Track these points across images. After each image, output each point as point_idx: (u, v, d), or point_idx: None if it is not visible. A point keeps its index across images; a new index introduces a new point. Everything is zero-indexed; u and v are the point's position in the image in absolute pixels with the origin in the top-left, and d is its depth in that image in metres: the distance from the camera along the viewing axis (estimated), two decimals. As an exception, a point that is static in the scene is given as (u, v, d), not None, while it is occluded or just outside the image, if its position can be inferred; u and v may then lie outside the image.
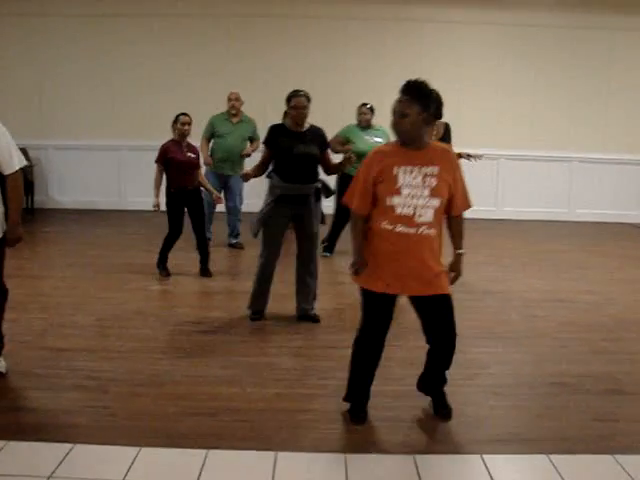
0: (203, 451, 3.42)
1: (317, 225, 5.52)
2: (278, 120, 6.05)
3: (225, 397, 4.09)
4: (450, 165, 3.61)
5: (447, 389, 3.95)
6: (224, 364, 4.62)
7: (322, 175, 5.58)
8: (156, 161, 6.87)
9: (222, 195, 8.15)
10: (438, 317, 3.72)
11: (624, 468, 3.34)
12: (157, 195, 6.86)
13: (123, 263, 7.46)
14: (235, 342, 5.08)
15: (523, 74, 11.18)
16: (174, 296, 6.42)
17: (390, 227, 3.52)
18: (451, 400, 3.93)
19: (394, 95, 3.56)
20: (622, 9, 10.90)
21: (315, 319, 5.57)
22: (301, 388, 4.26)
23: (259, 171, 5.54)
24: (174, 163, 6.77)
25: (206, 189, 7.15)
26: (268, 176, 5.54)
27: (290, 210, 5.39)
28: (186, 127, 6.87)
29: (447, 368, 3.88)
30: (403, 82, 3.54)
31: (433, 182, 3.50)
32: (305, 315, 5.59)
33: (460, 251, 3.79)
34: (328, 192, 5.62)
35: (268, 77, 10.73)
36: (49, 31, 10.88)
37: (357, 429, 3.74)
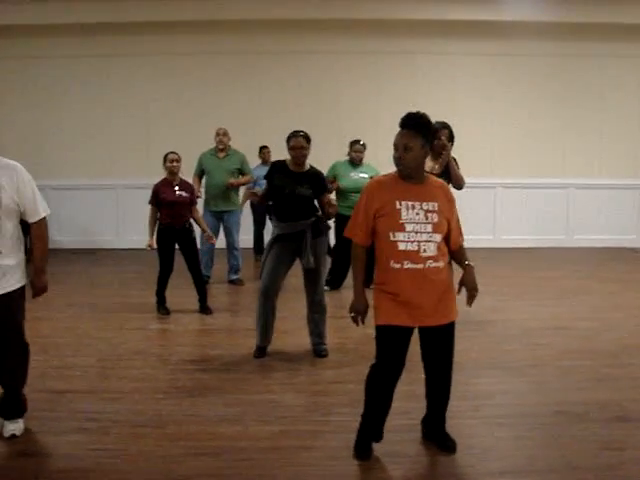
0: (207, 492, 3.39)
1: (318, 260, 5.47)
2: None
3: (228, 436, 4.06)
4: (447, 201, 3.63)
5: (451, 421, 3.92)
6: (227, 402, 4.59)
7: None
8: (149, 202, 6.94)
9: (222, 231, 8.20)
10: (440, 345, 3.72)
11: (633, 497, 3.31)
12: (151, 235, 6.92)
13: (122, 302, 7.45)
14: (237, 380, 5.04)
15: (516, 103, 11.28)
16: (174, 335, 6.38)
17: (398, 265, 3.51)
18: (456, 432, 3.91)
19: (388, 128, 3.58)
20: (611, 36, 11.04)
21: (321, 354, 5.54)
22: (305, 425, 4.22)
23: (262, 198, 5.67)
24: (165, 203, 6.82)
25: (200, 227, 7.16)
26: (270, 217, 5.66)
27: (289, 246, 5.43)
28: (175, 164, 6.92)
29: (448, 399, 3.85)
30: (401, 115, 3.57)
31: (435, 218, 3.51)
32: (314, 350, 5.59)
33: (468, 262, 3.75)
34: (326, 228, 5.61)
35: (263, 114, 10.84)
36: (46, 72, 11.03)
37: (362, 465, 3.70)
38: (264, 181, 5.74)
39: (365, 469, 3.68)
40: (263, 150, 9.95)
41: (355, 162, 7.89)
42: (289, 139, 5.45)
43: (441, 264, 3.57)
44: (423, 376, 3.93)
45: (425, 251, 3.49)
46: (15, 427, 4.04)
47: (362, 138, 8.09)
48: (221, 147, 8.38)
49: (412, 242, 3.48)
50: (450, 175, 6.04)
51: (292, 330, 5.67)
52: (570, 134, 11.35)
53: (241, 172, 8.39)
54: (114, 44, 10.89)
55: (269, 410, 4.45)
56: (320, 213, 5.54)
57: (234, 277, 8.44)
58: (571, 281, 8.74)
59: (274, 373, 5.23)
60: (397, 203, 3.51)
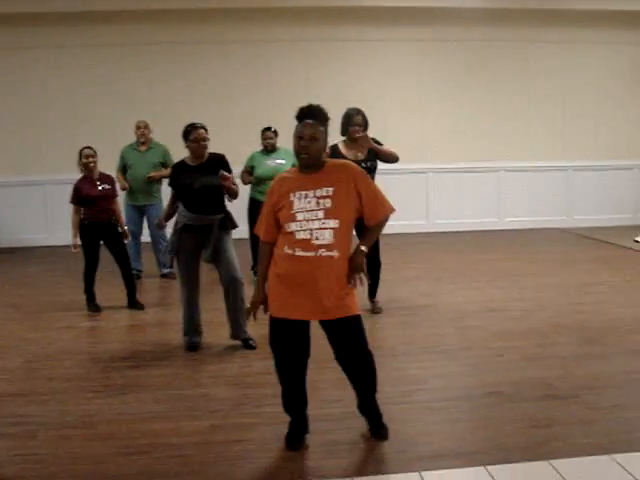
0: (136, 491, 3.32)
1: (224, 252, 5.44)
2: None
3: (159, 433, 3.98)
4: (348, 181, 3.56)
5: (383, 407, 3.92)
6: (158, 399, 4.50)
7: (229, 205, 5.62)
8: (71, 202, 6.77)
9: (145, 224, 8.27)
10: (346, 340, 3.66)
11: (559, 471, 3.37)
12: (75, 235, 6.75)
13: (52, 301, 7.28)
14: (169, 375, 4.97)
15: (446, 89, 11.41)
16: (105, 332, 6.26)
17: (290, 251, 3.51)
18: (388, 419, 3.90)
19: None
20: (537, 22, 11.27)
21: (248, 344, 5.50)
22: (236, 418, 4.17)
23: (170, 212, 5.67)
24: (89, 199, 6.67)
25: (117, 221, 6.98)
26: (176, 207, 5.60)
27: (196, 238, 5.41)
28: (90, 159, 6.76)
29: (373, 391, 3.83)
30: (330, 103, 3.66)
31: (327, 203, 3.49)
32: (239, 339, 5.54)
33: (362, 247, 3.65)
34: (232, 224, 5.60)
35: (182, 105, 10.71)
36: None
37: (295, 456, 3.67)
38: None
39: (298, 459, 3.65)
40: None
41: (267, 149, 7.84)
42: (188, 132, 5.37)
43: (335, 253, 3.52)
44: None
45: (317, 239, 3.46)
46: None
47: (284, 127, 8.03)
48: (142, 140, 8.28)
49: (305, 230, 3.47)
50: (379, 156, 6.08)
51: (223, 322, 5.59)
52: (501, 118, 11.54)
53: (164, 165, 8.27)
54: (32, 35, 10.65)
55: (200, 404, 4.39)
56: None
57: (165, 271, 8.32)
58: (503, 263, 8.90)
59: (206, 366, 5.15)
60: (291, 195, 3.53)
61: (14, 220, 10.95)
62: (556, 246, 10.25)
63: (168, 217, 5.76)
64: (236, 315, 5.47)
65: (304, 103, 3.63)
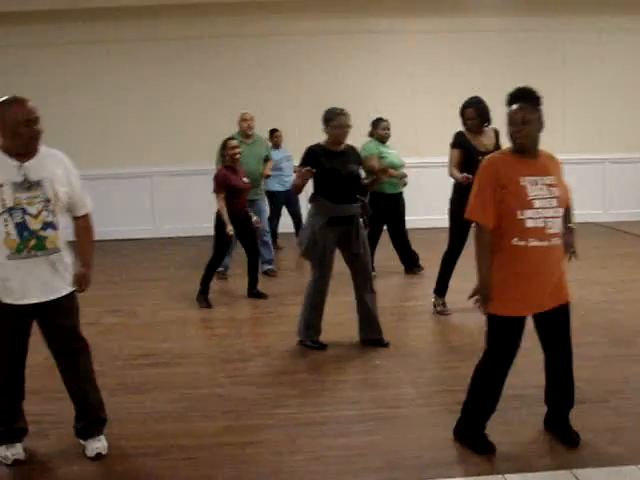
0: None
1: (364, 246, 5.31)
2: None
3: (171, 434, 3.92)
4: (559, 171, 3.54)
5: (403, 410, 3.80)
6: (173, 398, 4.44)
7: None
8: (215, 191, 6.66)
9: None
10: (559, 327, 3.63)
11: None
12: (229, 222, 6.58)
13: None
14: (187, 374, 4.90)
15: (474, 79, 11.17)
16: (127, 329, 6.19)
17: (522, 243, 3.37)
18: (404, 423, 3.78)
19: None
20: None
21: (382, 343, 5.32)
22: (251, 419, 4.09)
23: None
24: (236, 190, 6.63)
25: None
26: (311, 200, 5.37)
27: (336, 231, 5.21)
28: (236, 150, 6.71)
29: (571, 382, 3.70)
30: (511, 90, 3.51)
31: (556, 191, 3.42)
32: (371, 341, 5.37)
33: (572, 225, 3.68)
34: (368, 212, 5.45)
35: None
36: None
37: (305, 460, 3.56)
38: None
39: (305, 465, 3.53)
40: (275, 134, 9.56)
41: (384, 140, 7.57)
42: (331, 118, 5.18)
43: (560, 241, 3.48)
44: (376, 363, 3.79)
45: (551, 228, 3.39)
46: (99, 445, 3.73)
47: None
48: (249, 133, 7.90)
49: (539, 219, 3.36)
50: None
51: (242, 321, 5.54)
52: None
53: (265, 158, 7.99)
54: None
55: (215, 405, 4.32)
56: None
57: (267, 268, 7.98)
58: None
59: (224, 365, 5.08)
60: (521, 179, 3.38)
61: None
62: (591, 241, 9.96)
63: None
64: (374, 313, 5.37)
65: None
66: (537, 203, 3.35)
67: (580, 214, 8.63)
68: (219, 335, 5.93)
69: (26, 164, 3.41)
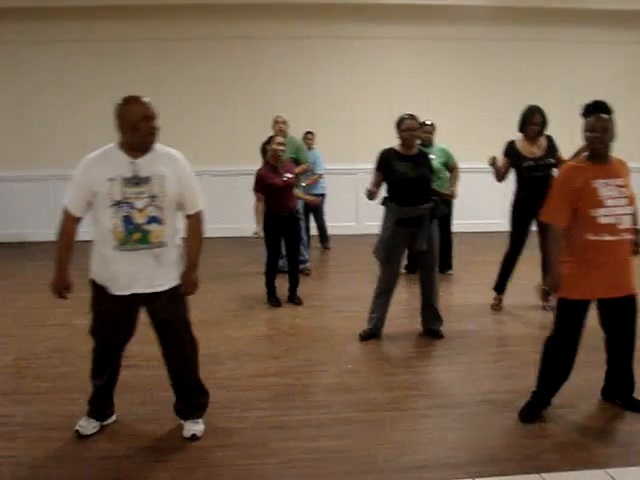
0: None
1: (431, 244, 5.54)
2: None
3: (142, 436, 3.89)
4: (628, 175, 4.00)
5: (373, 414, 3.81)
6: (144, 400, 4.42)
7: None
8: (254, 190, 6.61)
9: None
10: (623, 316, 4.01)
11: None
12: (260, 222, 6.57)
13: (46, 297, 7.11)
14: (156, 376, 4.80)
15: (451, 87, 11.25)
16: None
17: (596, 237, 3.83)
18: (378, 426, 3.78)
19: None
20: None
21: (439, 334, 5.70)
22: (222, 422, 4.07)
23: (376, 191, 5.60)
24: (275, 188, 6.55)
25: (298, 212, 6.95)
26: (383, 203, 5.61)
27: (405, 231, 5.48)
28: (280, 147, 6.64)
29: (630, 370, 4.14)
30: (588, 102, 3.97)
31: (626, 192, 3.89)
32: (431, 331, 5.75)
33: (638, 227, 4.10)
34: (440, 212, 5.68)
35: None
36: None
37: (278, 464, 3.56)
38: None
39: (277, 467, 3.53)
40: (307, 135, 9.44)
41: (425, 144, 7.43)
42: (401, 122, 5.48)
43: (630, 237, 3.93)
44: (348, 368, 3.76)
45: (622, 224, 3.84)
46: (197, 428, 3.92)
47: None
48: (284, 136, 7.71)
49: (611, 216, 3.81)
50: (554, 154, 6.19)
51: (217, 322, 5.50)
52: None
53: (296, 161, 7.71)
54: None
55: (187, 408, 4.28)
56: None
57: (301, 266, 7.85)
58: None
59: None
60: (592, 182, 3.83)
61: (16, 215, 10.87)
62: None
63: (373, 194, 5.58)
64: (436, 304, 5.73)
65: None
66: (609, 202, 3.81)
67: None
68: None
69: (138, 160, 3.53)
